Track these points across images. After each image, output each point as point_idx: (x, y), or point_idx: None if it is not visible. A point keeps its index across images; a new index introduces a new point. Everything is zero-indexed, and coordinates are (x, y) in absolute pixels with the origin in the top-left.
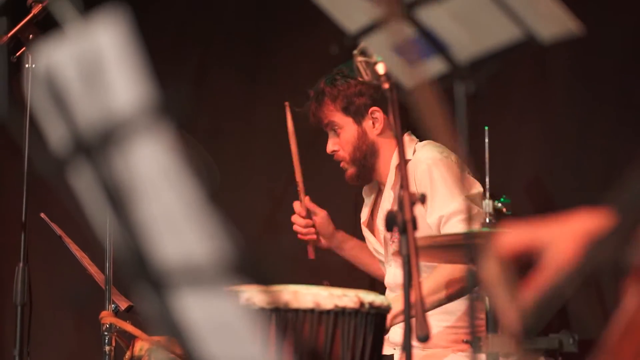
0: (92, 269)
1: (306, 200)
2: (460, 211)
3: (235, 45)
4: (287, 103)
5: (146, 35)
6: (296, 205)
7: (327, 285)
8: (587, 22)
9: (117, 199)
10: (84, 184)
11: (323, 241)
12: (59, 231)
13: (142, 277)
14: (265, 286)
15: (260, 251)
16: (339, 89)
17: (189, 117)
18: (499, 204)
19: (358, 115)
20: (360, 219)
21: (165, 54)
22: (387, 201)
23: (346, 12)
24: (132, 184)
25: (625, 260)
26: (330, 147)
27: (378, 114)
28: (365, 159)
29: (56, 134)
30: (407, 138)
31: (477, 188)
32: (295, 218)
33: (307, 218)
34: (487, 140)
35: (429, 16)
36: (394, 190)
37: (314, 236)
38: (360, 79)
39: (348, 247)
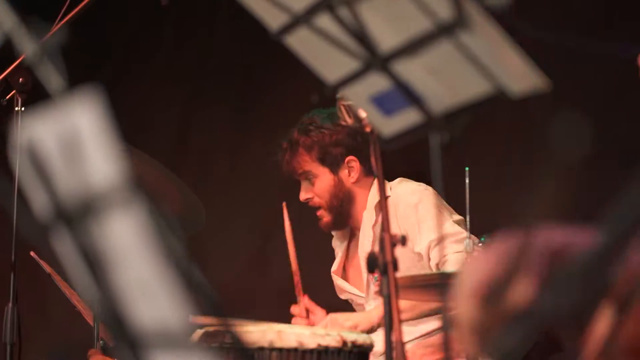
0: (81, 305)
1: (305, 299)
2: (451, 233)
3: (223, 89)
4: (284, 203)
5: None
6: (294, 309)
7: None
8: (555, 76)
9: (96, 265)
10: (65, 249)
11: None
12: (48, 269)
13: (120, 338)
14: (251, 325)
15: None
16: (313, 139)
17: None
18: (480, 243)
19: (334, 164)
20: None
21: (150, 99)
22: (367, 240)
23: (325, 64)
24: (109, 252)
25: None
26: (304, 195)
27: (354, 163)
28: (342, 206)
29: (39, 200)
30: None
31: (458, 216)
32: (295, 321)
33: (306, 317)
34: (467, 180)
35: (404, 69)
36: (374, 229)
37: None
38: (342, 123)
39: None
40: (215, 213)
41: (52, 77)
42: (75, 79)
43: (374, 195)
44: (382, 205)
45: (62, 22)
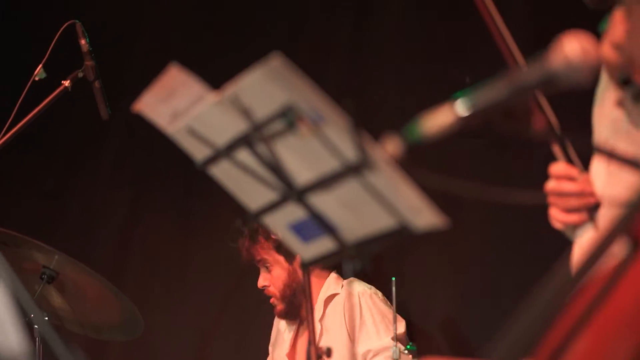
0: None
1: None
2: (386, 348)
3: (165, 195)
4: None
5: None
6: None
7: None
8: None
9: None
10: None
11: None
12: None
13: None
14: None
15: None
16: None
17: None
18: (406, 351)
19: (289, 254)
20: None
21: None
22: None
23: (247, 193)
24: None
25: None
26: (262, 282)
27: None
28: (294, 296)
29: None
30: (334, 276)
31: (403, 327)
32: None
33: None
34: (394, 289)
35: (319, 201)
36: (322, 322)
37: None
38: (273, 236)
39: None
40: (160, 313)
41: None
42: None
43: (325, 290)
44: (309, 319)
45: (7, 135)
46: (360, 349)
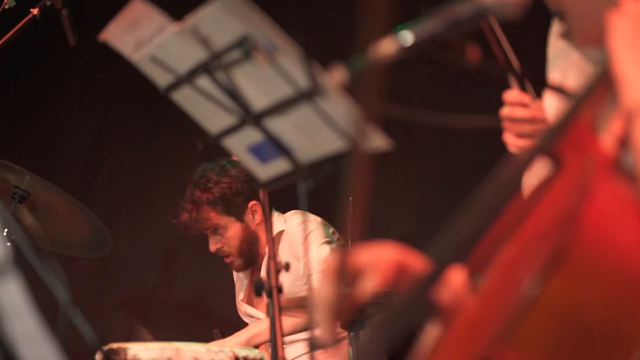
0: None
1: None
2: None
3: (131, 118)
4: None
5: None
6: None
7: (217, 334)
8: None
9: None
10: None
11: None
12: None
13: None
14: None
15: (155, 304)
16: (214, 194)
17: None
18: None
19: (239, 213)
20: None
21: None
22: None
23: (207, 118)
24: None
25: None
26: (213, 246)
27: (256, 206)
28: (251, 248)
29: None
30: (275, 214)
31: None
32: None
33: None
34: (351, 209)
35: (274, 125)
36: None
37: None
38: (234, 157)
39: None
40: (126, 232)
41: None
42: None
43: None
44: (268, 237)
45: None
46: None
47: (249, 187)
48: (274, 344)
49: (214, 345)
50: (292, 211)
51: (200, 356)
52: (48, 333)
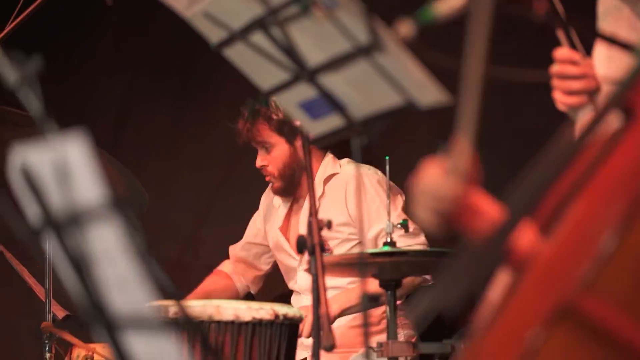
0: (32, 281)
1: None
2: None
3: (163, 78)
4: None
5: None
6: None
7: None
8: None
9: (82, 263)
10: (54, 250)
11: None
12: (0, 247)
13: (98, 322)
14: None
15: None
16: (272, 110)
17: (143, 209)
18: (399, 225)
19: (291, 135)
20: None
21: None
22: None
23: (259, 74)
24: (91, 253)
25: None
26: (260, 162)
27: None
28: (293, 175)
29: (30, 210)
30: (331, 157)
31: (402, 198)
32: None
33: None
34: (387, 168)
35: (329, 81)
36: (321, 201)
37: None
38: (274, 117)
39: None
40: (154, 196)
41: (31, 102)
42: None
43: (323, 170)
44: (310, 194)
45: (16, 21)
46: (372, 232)
47: None
48: (317, 301)
49: (256, 304)
50: (347, 159)
51: (240, 313)
52: (141, 279)
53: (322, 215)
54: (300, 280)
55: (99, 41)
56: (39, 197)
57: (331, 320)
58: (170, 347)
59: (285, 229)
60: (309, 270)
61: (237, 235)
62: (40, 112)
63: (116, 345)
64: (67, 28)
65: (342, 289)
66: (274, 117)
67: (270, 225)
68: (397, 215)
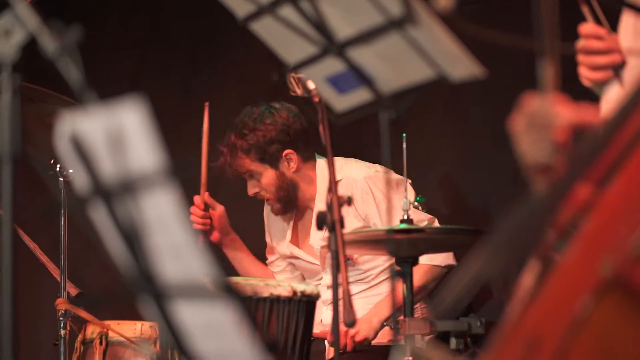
0: (44, 258)
1: (205, 195)
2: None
3: (174, 56)
4: (207, 103)
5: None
6: (196, 198)
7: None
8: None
9: (132, 233)
10: (102, 219)
11: (216, 234)
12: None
13: (147, 291)
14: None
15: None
16: (249, 142)
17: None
18: (415, 203)
19: (273, 161)
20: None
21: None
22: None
23: (286, 48)
24: (143, 221)
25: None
26: (251, 190)
27: (292, 155)
28: (289, 194)
29: (79, 179)
30: (323, 161)
31: (410, 191)
32: (193, 209)
33: (205, 211)
34: (404, 145)
35: (358, 54)
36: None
37: (207, 227)
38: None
39: (237, 247)
40: None
41: (71, 71)
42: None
43: (322, 178)
44: (330, 169)
45: None
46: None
47: (284, 136)
48: (335, 277)
49: (274, 280)
50: (346, 159)
51: (258, 289)
52: (194, 246)
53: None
54: (325, 280)
55: (108, 17)
56: (88, 165)
57: (373, 335)
58: (220, 317)
59: (296, 241)
60: (328, 246)
61: (247, 214)
62: (80, 82)
63: (164, 315)
64: (75, 3)
65: (368, 288)
66: (252, 146)
67: (277, 240)
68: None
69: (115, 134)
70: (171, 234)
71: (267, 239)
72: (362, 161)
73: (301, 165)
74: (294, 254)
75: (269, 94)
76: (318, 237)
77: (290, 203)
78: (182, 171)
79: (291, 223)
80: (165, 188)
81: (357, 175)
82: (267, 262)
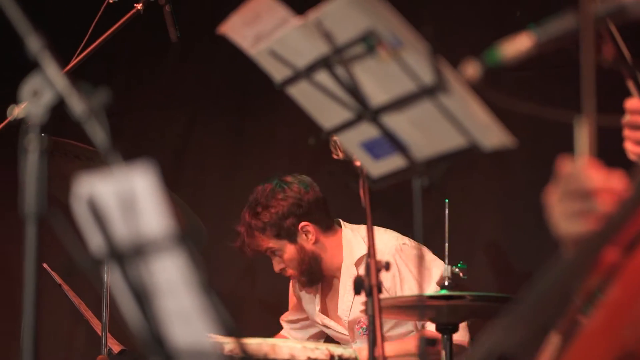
0: (88, 314)
1: None
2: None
3: (221, 106)
4: None
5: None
6: None
7: None
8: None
9: (142, 295)
10: (115, 281)
11: None
12: (58, 280)
13: (158, 354)
14: (246, 339)
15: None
16: (263, 220)
17: (201, 245)
18: (457, 269)
19: (291, 235)
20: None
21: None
22: (348, 294)
23: (322, 112)
24: (153, 284)
25: None
26: (277, 267)
27: (308, 227)
28: (311, 267)
29: (94, 240)
30: (347, 230)
31: (438, 267)
32: None
33: None
34: (447, 211)
35: (391, 121)
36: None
37: None
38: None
39: None
40: (211, 229)
41: (97, 133)
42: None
43: (349, 249)
44: (369, 234)
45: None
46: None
47: (297, 208)
48: (373, 342)
49: (312, 344)
50: (376, 228)
51: (296, 352)
52: (203, 312)
53: (362, 301)
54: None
55: (161, 75)
56: (103, 228)
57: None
58: None
59: (325, 311)
60: (365, 311)
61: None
62: (106, 144)
63: None
64: (128, 61)
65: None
66: (266, 224)
67: (306, 303)
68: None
69: (128, 198)
70: (179, 298)
71: (293, 301)
72: (392, 231)
73: (320, 235)
74: (325, 323)
75: (313, 153)
76: (346, 309)
77: (314, 275)
78: (192, 237)
79: (318, 295)
80: (173, 254)
81: (384, 247)
82: (285, 320)
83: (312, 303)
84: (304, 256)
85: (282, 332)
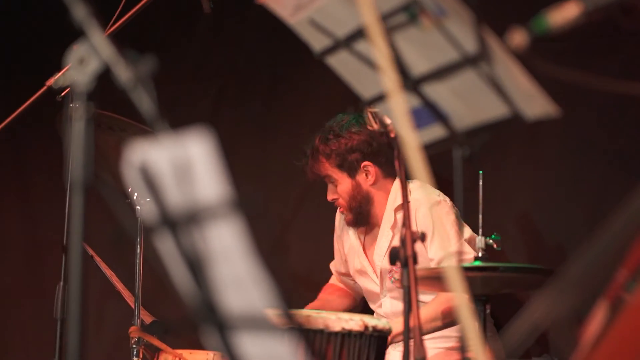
0: (120, 285)
1: None
2: (457, 253)
3: (251, 86)
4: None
5: None
6: None
7: None
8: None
9: (196, 263)
10: (167, 249)
11: None
12: (91, 252)
13: (210, 321)
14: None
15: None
16: (331, 147)
17: (257, 211)
18: (490, 240)
19: (352, 170)
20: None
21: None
22: (385, 239)
23: (361, 82)
24: (207, 252)
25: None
26: (330, 196)
27: (370, 167)
28: (361, 206)
29: (145, 208)
30: (398, 183)
31: (468, 231)
32: None
33: None
34: (481, 183)
35: (432, 91)
36: (393, 230)
37: None
38: (369, 127)
39: None
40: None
41: (143, 101)
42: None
43: (393, 198)
44: (404, 206)
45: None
46: (433, 255)
47: (366, 147)
48: (407, 313)
49: (346, 314)
50: (417, 182)
51: (330, 323)
52: (257, 278)
53: (394, 244)
54: (385, 307)
55: (191, 46)
56: (156, 195)
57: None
58: (281, 350)
59: (364, 253)
60: (400, 282)
61: (322, 245)
62: (153, 112)
63: (226, 345)
64: (159, 33)
65: (448, 338)
66: (333, 151)
67: (347, 248)
68: (458, 243)
69: (183, 165)
70: (234, 265)
71: (336, 247)
72: (431, 188)
73: (380, 179)
74: (364, 266)
75: None
76: (381, 253)
77: (362, 216)
78: (248, 204)
79: (362, 235)
80: (229, 219)
81: (422, 198)
82: (335, 270)
83: (356, 239)
84: (357, 194)
85: (331, 281)
